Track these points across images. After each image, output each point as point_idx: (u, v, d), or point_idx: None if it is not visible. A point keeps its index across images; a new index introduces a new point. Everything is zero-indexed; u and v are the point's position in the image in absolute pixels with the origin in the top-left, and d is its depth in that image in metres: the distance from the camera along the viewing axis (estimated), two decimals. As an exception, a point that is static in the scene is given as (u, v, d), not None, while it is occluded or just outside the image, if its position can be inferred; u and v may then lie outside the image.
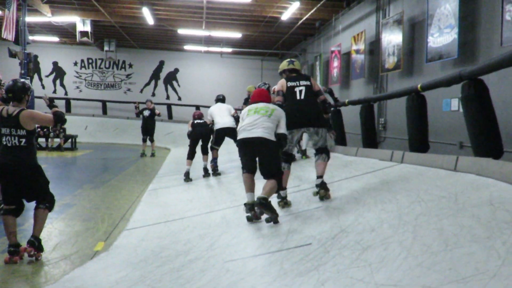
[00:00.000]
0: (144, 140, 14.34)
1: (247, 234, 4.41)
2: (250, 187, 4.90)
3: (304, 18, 14.85)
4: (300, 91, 5.24)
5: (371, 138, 8.26)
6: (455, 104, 8.15)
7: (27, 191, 4.48)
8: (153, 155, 14.30)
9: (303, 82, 5.29)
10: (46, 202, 4.55)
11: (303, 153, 8.51)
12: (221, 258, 3.79)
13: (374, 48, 11.93)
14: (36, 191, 4.52)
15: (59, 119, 4.55)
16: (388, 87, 11.19)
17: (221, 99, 9.31)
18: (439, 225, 3.05)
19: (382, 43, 10.81)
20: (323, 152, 5.30)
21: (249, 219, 4.79)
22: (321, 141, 5.29)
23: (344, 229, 3.65)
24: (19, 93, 4.42)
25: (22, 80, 4.63)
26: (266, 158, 4.82)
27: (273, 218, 4.50)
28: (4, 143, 4.35)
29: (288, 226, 4.24)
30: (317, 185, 5.10)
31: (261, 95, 5.26)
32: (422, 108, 6.44)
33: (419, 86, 6.29)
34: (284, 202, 5.15)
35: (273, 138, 4.81)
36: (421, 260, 2.59)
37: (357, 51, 12.72)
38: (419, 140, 6.45)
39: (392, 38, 10.27)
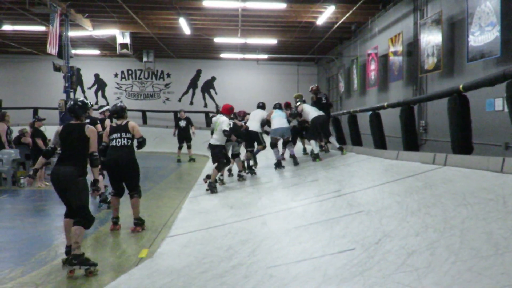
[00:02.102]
0: (180, 148, 15.33)
1: (288, 239, 4.40)
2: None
3: (340, 22, 14.76)
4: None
5: (412, 141, 8.10)
6: (499, 104, 7.90)
7: (127, 180, 6.23)
8: (193, 160, 15.18)
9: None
10: (137, 192, 6.27)
11: (321, 148, 10.32)
12: (263, 264, 3.79)
13: (412, 49, 11.73)
14: (133, 181, 6.26)
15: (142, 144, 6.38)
16: (428, 89, 10.96)
17: (260, 106, 10.45)
18: (487, 228, 2.96)
19: (421, 44, 10.62)
20: (239, 155, 9.47)
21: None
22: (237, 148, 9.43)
23: (388, 234, 3.59)
24: (120, 113, 6.46)
25: (120, 104, 6.58)
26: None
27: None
28: (114, 144, 6.20)
29: (330, 231, 4.21)
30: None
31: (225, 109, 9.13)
32: (465, 109, 6.26)
33: (461, 86, 6.13)
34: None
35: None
36: (470, 264, 2.52)
37: (395, 53, 12.54)
38: (462, 141, 6.27)
39: (431, 39, 10.07)
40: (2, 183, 10.12)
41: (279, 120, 9.65)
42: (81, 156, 4.91)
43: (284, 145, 10.24)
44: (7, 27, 15.07)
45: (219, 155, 8.45)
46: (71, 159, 4.84)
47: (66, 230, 4.96)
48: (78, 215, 4.69)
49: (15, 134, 11.69)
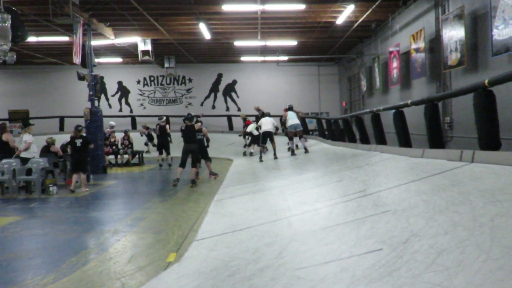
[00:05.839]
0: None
1: (314, 241, 4.38)
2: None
3: (360, 21, 14.68)
4: None
5: (437, 138, 7.97)
6: (526, 97, 7.74)
7: (192, 158, 10.83)
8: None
9: None
10: (197, 164, 11.06)
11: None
12: (291, 266, 3.79)
13: (435, 45, 11.59)
14: (195, 159, 10.91)
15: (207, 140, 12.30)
16: (452, 85, 10.80)
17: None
18: (518, 225, 2.90)
19: (443, 39, 10.48)
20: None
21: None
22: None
23: (416, 233, 3.54)
24: (190, 119, 10.86)
25: (190, 113, 11.34)
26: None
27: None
28: (185, 138, 10.80)
29: (356, 231, 4.18)
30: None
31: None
32: (491, 104, 6.14)
33: (486, 81, 6.01)
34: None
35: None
36: (502, 262, 2.47)
37: (417, 50, 12.40)
38: (489, 137, 6.15)
39: (454, 34, 9.93)
40: (32, 191, 10.36)
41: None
42: (195, 138, 10.87)
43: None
44: (32, 39, 15.42)
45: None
46: (193, 141, 10.84)
47: (179, 173, 10.81)
48: (193, 163, 10.86)
49: (42, 143, 11.96)
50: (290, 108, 13.55)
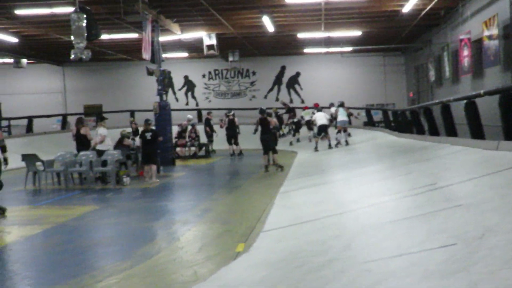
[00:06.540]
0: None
1: (383, 234, 4.34)
2: None
3: (428, 8, 14.18)
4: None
5: (513, 130, 7.58)
6: None
7: (270, 147, 12.01)
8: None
9: None
10: (275, 151, 12.10)
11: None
12: (359, 258, 3.78)
13: (510, 32, 10.98)
14: (273, 146, 12.12)
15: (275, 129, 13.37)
16: (530, 73, 10.22)
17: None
18: None
19: (520, 25, 9.91)
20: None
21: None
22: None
23: (491, 228, 3.43)
24: (263, 113, 12.17)
25: (262, 107, 12.69)
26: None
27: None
28: (262, 130, 12.03)
29: (427, 225, 4.10)
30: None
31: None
32: None
33: None
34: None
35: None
36: None
37: (490, 37, 11.82)
38: None
39: (532, 19, 9.37)
40: (107, 181, 10.91)
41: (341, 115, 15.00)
42: (270, 129, 12.01)
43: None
44: (104, 36, 16.10)
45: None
46: (268, 132, 11.92)
47: (265, 159, 11.83)
48: (273, 149, 11.88)
49: (115, 136, 12.55)
50: (341, 105, 15.36)
